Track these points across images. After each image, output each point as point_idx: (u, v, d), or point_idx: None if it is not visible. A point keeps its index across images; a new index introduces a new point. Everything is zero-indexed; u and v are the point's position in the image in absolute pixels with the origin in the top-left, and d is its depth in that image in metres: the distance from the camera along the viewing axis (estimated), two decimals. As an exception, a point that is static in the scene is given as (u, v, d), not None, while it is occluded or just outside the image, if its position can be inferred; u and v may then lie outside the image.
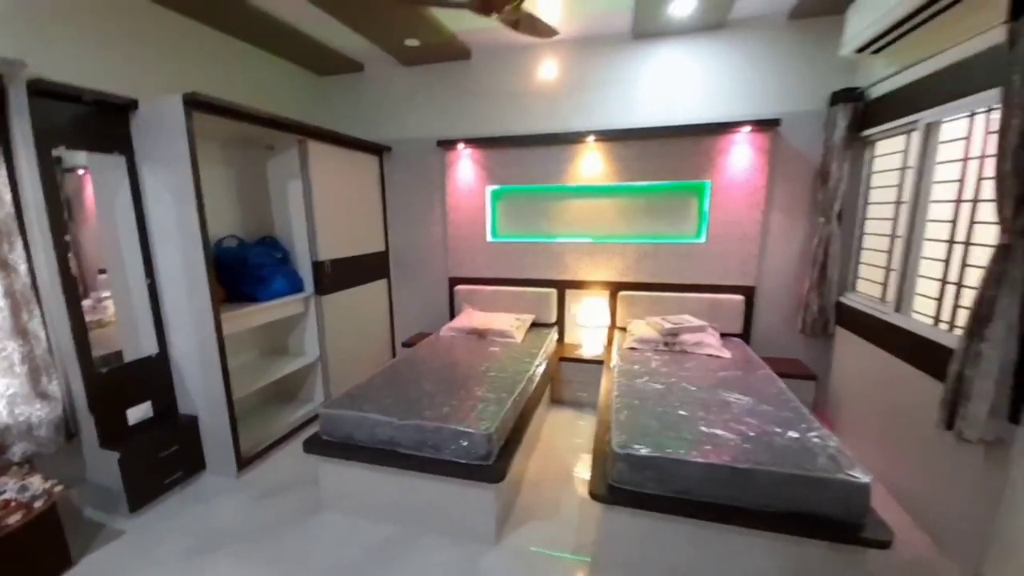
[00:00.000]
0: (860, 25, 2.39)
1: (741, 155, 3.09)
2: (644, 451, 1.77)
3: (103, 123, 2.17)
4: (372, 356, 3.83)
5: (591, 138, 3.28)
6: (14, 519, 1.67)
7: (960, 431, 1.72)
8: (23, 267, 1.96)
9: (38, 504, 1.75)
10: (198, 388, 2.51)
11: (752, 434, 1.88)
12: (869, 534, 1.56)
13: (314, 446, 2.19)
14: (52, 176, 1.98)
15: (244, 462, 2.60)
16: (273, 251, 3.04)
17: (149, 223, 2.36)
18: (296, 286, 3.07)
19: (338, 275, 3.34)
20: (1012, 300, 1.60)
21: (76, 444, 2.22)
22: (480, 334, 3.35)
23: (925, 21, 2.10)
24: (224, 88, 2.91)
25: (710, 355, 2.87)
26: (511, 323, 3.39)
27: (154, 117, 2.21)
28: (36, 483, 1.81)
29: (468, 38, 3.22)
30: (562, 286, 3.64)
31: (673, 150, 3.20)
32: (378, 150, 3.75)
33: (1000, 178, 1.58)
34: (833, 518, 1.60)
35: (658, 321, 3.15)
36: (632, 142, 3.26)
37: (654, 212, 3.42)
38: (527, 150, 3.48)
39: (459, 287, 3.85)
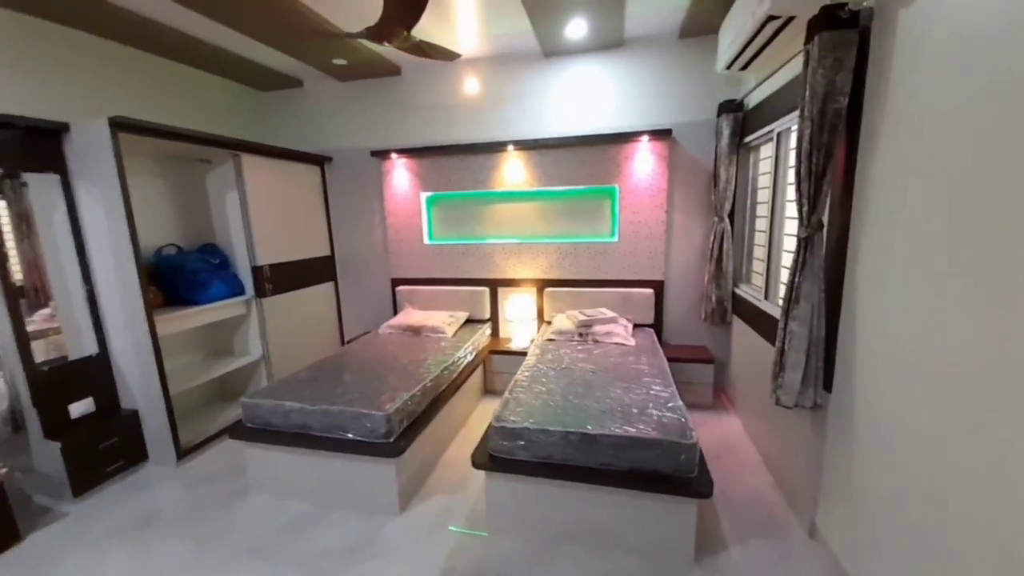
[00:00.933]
0: (724, 44, 2.69)
1: (644, 161, 3.40)
2: (515, 422, 2.04)
3: (37, 146, 2.40)
4: (319, 355, 4.07)
5: (511, 147, 3.56)
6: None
7: (777, 398, 2.01)
8: (-38, 277, 2.18)
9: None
10: (138, 384, 2.73)
11: (617, 407, 2.17)
12: (695, 487, 1.84)
13: (237, 432, 2.44)
14: (-13, 195, 2.21)
15: (184, 452, 2.83)
16: (211, 257, 3.27)
17: (85, 234, 2.58)
18: (235, 290, 3.30)
19: (280, 279, 3.58)
20: (813, 284, 1.90)
21: (24, 436, 2.44)
22: (415, 331, 3.61)
23: (768, 43, 2.41)
24: (166, 108, 3.14)
25: (617, 343, 3.16)
26: (444, 320, 3.65)
27: (84, 139, 2.44)
28: (-25, 469, 2.04)
29: (396, 56, 3.48)
30: (494, 284, 3.92)
31: (584, 157, 3.49)
32: (319, 160, 4.00)
33: (797, 180, 1.88)
34: (666, 474, 1.88)
35: (575, 314, 3.44)
36: (548, 150, 3.55)
37: (572, 214, 3.72)
38: (456, 158, 3.75)
39: (400, 287, 4.11)
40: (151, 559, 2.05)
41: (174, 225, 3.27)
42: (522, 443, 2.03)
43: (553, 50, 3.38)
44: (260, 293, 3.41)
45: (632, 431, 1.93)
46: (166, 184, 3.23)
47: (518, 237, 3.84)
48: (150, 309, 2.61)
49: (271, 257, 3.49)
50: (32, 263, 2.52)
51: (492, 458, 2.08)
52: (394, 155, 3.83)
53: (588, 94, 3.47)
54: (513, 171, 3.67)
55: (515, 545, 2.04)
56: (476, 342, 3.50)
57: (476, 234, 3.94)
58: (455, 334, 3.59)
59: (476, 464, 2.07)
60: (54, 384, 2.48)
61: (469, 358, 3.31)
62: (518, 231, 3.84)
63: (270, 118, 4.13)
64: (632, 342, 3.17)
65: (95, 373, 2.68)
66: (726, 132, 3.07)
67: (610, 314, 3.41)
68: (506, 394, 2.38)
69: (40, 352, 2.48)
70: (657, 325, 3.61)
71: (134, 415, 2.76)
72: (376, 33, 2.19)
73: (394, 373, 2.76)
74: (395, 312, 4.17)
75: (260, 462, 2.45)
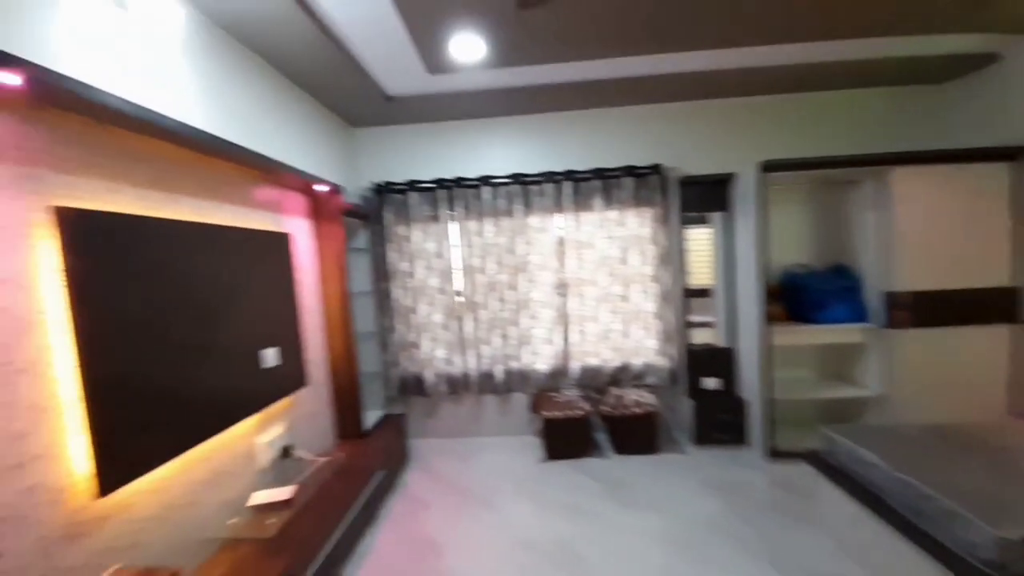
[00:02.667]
0: None
1: None
2: None
3: (716, 193, 3.39)
4: (962, 414, 3.03)
5: None
6: (635, 410, 3.23)
7: None
8: (666, 281, 3.51)
9: (647, 409, 3.24)
10: (751, 380, 3.29)
11: None
12: None
13: (811, 459, 2.42)
14: (680, 229, 3.43)
15: (775, 453, 3.13)
16: (839, 279, 3.23)
17: (737, 255, 3.38)
18: (858, 315, 3.11)
19: (923, 309, 2.97)
20: None
21: (676, 390, 3.64)
22: None
23: None
24: (816, 136, 3.41)
25: None
26: None
27: (744, 182, 3.17)
28: (648, 398, 3.33)
29: None
30: None
31: None
32: (1009, 155, 2.85)
33: None
34: None
35: None
36: None
37: None
38: None
39: None
40: (729, 520, 2.53)
41: (809, 246, 3.52)
42: None
43: None
44: (891, 323, 3.01)
45: None
46: (807, 208, 3.51)
47: None
48: (766, 320, 3.04)
49: (914, 283, 2.97)
50: (702, 274, 3.63)
51: None
52: None
53: None
54: None
55: None
56: None
57: None
58: None
59: None
60: (699, 361, 3.50)
61: None
62: None
63: (942, 114, 3.38)
64: None
65: (725, 361, 3.49)
66: None
67: None
68: None
69: (696, 337, 3.57)
70: None
71: (744, 403, 3.36)
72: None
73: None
74: None
75: (826, 498, 2.33)
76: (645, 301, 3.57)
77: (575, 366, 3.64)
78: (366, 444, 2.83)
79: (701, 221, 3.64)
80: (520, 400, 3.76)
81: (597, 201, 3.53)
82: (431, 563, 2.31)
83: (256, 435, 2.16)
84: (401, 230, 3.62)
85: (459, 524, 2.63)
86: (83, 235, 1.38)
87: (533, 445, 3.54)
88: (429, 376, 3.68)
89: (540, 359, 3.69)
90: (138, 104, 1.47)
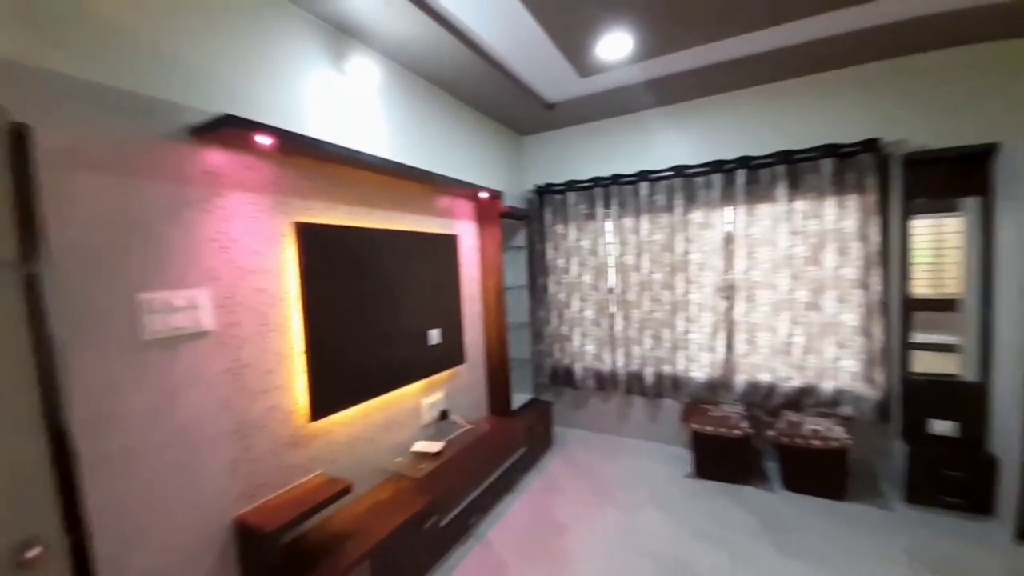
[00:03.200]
0: None
1: None
2: None
3: (963, 171, 2.48)
4: None
5: None
6: (817, 442, 2.67)
7: None
8: (877, 288, 2.76)
9: (833, 444, 2.64)
10: (1011, 431, 2.35)
11: None
12: None
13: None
14: (904, 221, 2.63)
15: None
16: None
17: (997, 258, 2.43)
18: None
19: None
20: None
21: (885, 426, 2.84)
22: None
23: None
24: None
25: None
26: None
27: (1014, 156, 2.24)
28: (837, 431, 2.69)
29: None
30: None
31: None
32: None
33: None
34: None
35: None
36: None
37: None
38: None
39: None
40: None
41: None
42: None
43: None
44: None
45: None
46: None
47: None
48: (1038, 351, 2.13)
49: None
50: (936, 281, 2.73)
51: None
52: None
53: None
54: None
55: None
56: None
57: None
58: None
59: None
60: (923, 394, 2.66)
61: None
62: None
63: None
64: None
65: (968, 400, 2.56)
66: None
67: None
68: None
69: (921, 362, 2.71)
70: None
71: (993, 460, 2.42)
72: None
73: None
74: None
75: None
76: (843, 312, 2.89)
77: (740, 380, 3.22)
78: (512, 421, 3.15)
79: (937, 210, 2.73)
80: (671, 408, 3.54)
81: (780, 190, 3.01)
82: (552, 541, 2.47)
83: (422, 397, 2.68)
84: (559, 228, 3.82)
85: (587, 515, 2.71)
86: (311, 241, 2.00)
87: (681, 457, 3.31)
88: (578, 369, 3.81)
89: (697, 366, 3.39)
90: (348, 148, 2.02)
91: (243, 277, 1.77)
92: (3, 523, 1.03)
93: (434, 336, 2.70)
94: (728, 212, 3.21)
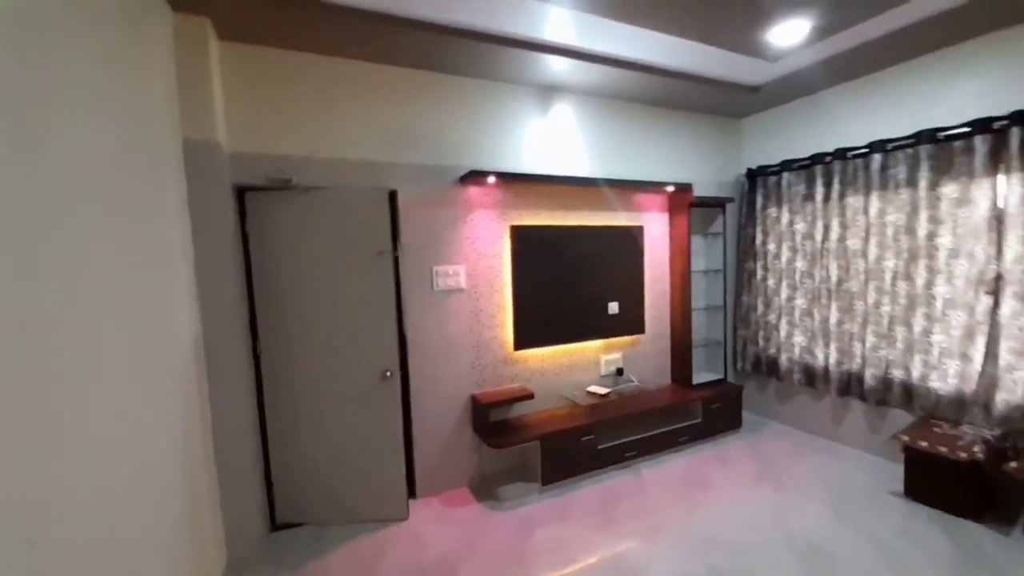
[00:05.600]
0: None
1: None
2: None
3: None
4: None
5: None
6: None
7: None
8: None
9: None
10: None
11: None
12: None
13: None
14: None
15: None
16: None
17: None
18: None
19: None
20: None
21: None
22: None
23: None
24: None
25: None
26: None
27: None
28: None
29: None
30: None
31: None
32: None
33: None
34: None
35: None
36: None
37: None
38: None
39: None
40: None
41: None
42: None
43: None
44: None
45: None
46: None
47: None
48: None
49: None
50: None
51: None
52: None
53: None
54: None
55: None
56: None
57: None
58: None
59: None
60: None
61: None
62: None
63: None
64: None
65: None
66: None
67: None
68: None
69: None
70: None
71: None
72: None
73: None
74: None
75: None
76: None
77: (1001, 399, 2.49)
78: (688, 392, 3.50)
79: None
80: (900, 419, 2.99)
81: (1100, 147, 2.16)
82: (699, 493, 2.85)
83: (602, 353, 3.48)
84: (771, 212, 3.69)
85: (744, 486, 2.89)
86: (520, 236, 3.11)
87: (895, 474, 2.83)
88: (784, 360, 3.64)
89: (939, 375, 2.78)
90: (541, 174, 3.02)
91: (481, 259, 3.06)
92: (379, 361, 2.58)
93: (613, 307, 3.43)
94: (997, 183, 2.47)
